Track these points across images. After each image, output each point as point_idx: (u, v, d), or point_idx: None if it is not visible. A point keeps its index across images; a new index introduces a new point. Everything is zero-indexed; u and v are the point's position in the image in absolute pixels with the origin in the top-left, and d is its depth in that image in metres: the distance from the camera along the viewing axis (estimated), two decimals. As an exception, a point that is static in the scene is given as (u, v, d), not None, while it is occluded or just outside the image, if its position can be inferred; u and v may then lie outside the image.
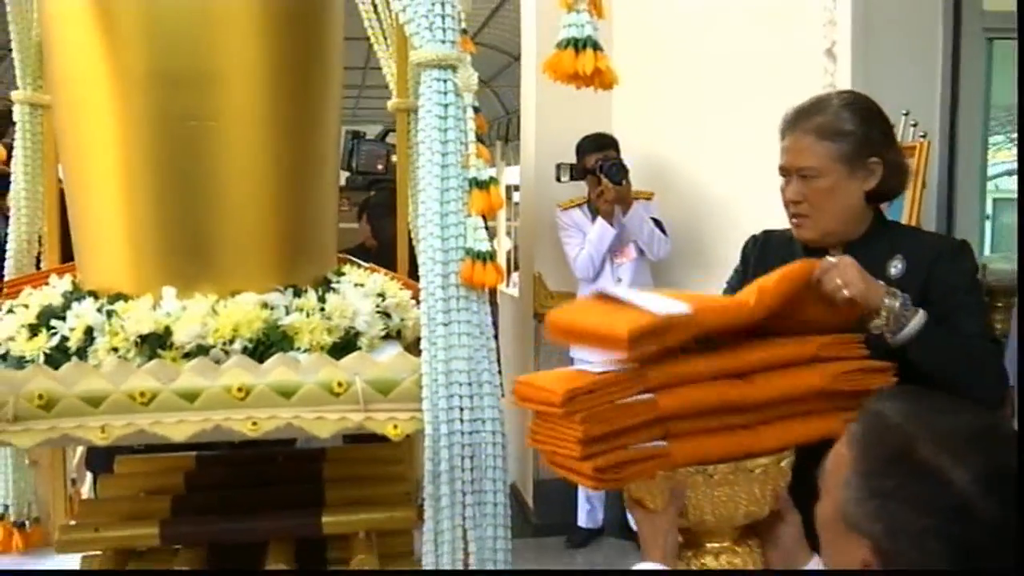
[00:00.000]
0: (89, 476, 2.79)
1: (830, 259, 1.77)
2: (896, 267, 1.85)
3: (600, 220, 4.02)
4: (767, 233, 2.08)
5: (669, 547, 1.43)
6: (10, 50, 2.26)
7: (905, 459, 1.01)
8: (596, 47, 1.60)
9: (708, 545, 1.50)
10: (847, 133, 1.85)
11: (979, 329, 1.81)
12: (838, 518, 1.06)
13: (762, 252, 2.07)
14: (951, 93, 3.17)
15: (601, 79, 1.62)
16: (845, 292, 1.68)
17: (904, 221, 2.93)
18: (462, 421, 1.62)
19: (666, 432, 1.50)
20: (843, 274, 1.69)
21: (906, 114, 3.03)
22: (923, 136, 2.96)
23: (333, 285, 1.92)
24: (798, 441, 1.54)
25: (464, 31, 1.83)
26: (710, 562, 1.50)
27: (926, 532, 0.97)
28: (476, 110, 1.65)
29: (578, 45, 1.59)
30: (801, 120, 1.90)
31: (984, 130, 2.97)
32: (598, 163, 3.88)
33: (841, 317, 1.65)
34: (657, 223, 4.00)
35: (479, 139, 1.65)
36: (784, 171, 1.94)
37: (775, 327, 1.60)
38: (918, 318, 1.74)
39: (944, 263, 1.83)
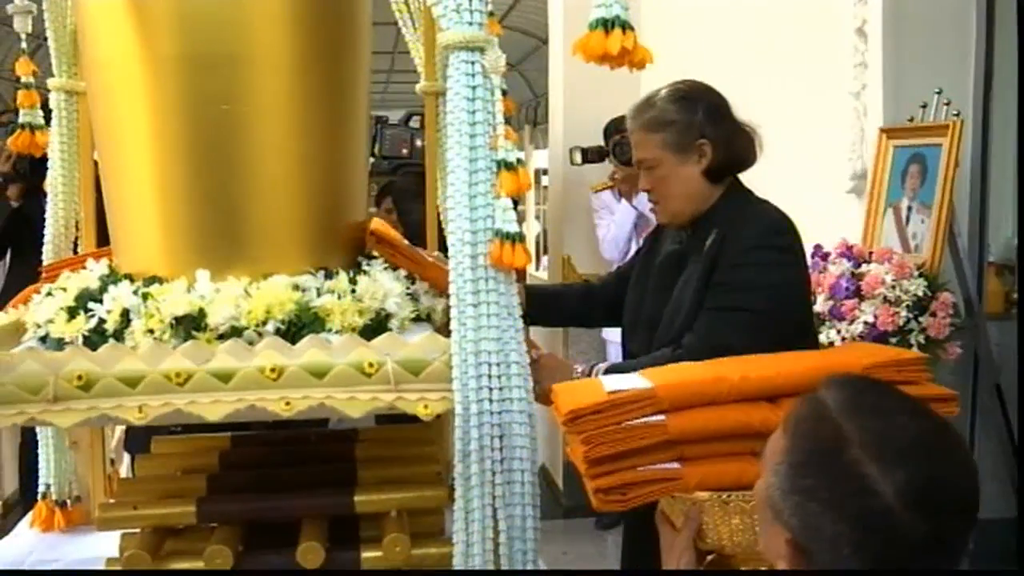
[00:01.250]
0: (127, 457, 2.84)
1: (534, 354, 1.90)
2: (710, 239, 1.99)
3: (624, 202, 4.03)
4: None
5: (683, 565, 1.39)
6: (46, 39, 2.29)
7: (833, 459, 0.96)
8: (625, 27, 1.60)
9: (743, 568, 1.45)
10: (670, 122, 2.03)
11: (700, 334, 1.92)
12: (765, 504, 1.02)
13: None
14: (984, 72, 3.13)
15: (631, 58, 1.62)
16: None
17: (936, 201, 2.91)
18: (491, 401, 1.63)
19: (680, 455, 1.49)
20: (539, 368, 1.87)
21: (939, 92, 3.00)
22: (956, 115, 2.93)
23: (364, 267, 1.94)
24: None
25: (491, 13, 1.83)
26: None
27: (841, 537, 0.92)
28: (504, 92, 1.66)
29: (607, 25, 1.60)
30: (635, 117, 2.10)
31: (1019, 109, 2.94)
32: (611, 144, 3.91)
33: None
34: None
35: (507, 121, 1.65)
36: (636, 164, 2.14)
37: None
38: (599, 369, 1.97)
39: (733, 235, 1.96)
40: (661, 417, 1.49)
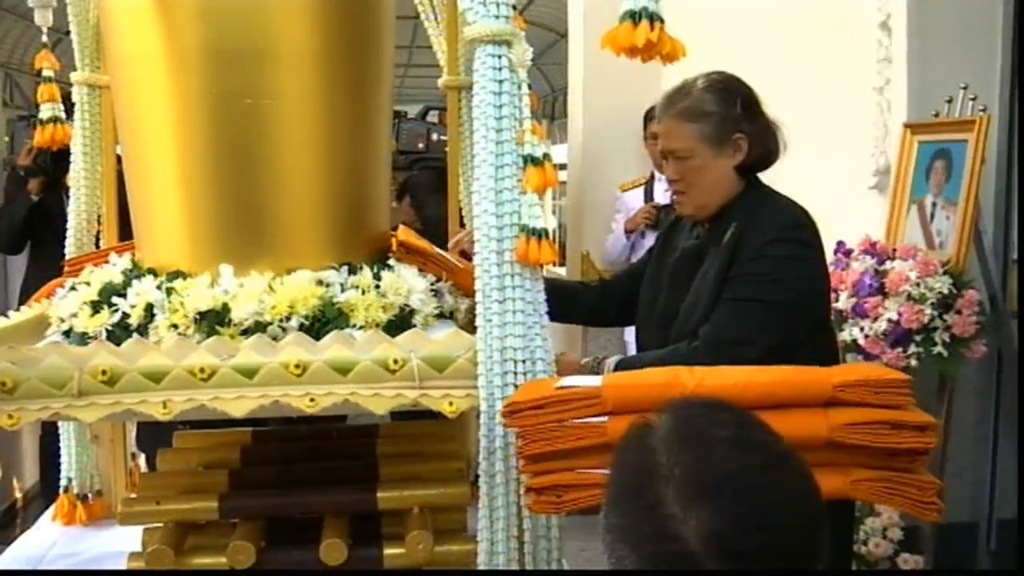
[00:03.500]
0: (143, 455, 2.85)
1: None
2: (728, 233, 1.97)
3: (623, 230, 4.07)
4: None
5: None
6: (67, 32, 2.29)
7: (639, 496, 0.85)
8: (653, 19, 1.57)
9: None
10: (708, 113, 1.99)
11: (716, 326, 1.91)
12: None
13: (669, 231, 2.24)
14: (1011, 66, 3.09)
15: (659, 51, 1.59)
16: None
17: (962, 197, 2.88)
18: (517, 398, 1.62)
19: None
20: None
21: (964, 87, 2.96)
22: (983, 110, 2.90)
23: (388, 263, 1.93)
24: None
25: (514, 7, 1.82)
26: None
27: None
28: (529, 86, 1.65)
29: (635, 17, 1.57)
30: (668, 106, 2.05)
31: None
32: (652, 217, 3.97)
33: None
34: None
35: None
36: (662, 154, 2.10)
37: None
38: (608, 365, 1.96)
39: (753, 227, 1.94)
40: (603, 419, 1.43)
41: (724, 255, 1.95)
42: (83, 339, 1.76)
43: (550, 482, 1.46)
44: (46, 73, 2.33)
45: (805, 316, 1.97)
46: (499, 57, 1.60)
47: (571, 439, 1.43)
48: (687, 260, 2.08)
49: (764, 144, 2.03)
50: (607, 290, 2.40)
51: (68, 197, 2.37)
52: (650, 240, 4.01)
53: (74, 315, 1.80)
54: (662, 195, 4.05)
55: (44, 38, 2.30)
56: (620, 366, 1.95)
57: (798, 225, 1.99)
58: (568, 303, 2.32)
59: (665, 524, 0.81)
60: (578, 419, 1.44)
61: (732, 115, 1.99)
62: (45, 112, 2.35)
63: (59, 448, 2.38)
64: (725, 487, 0.82)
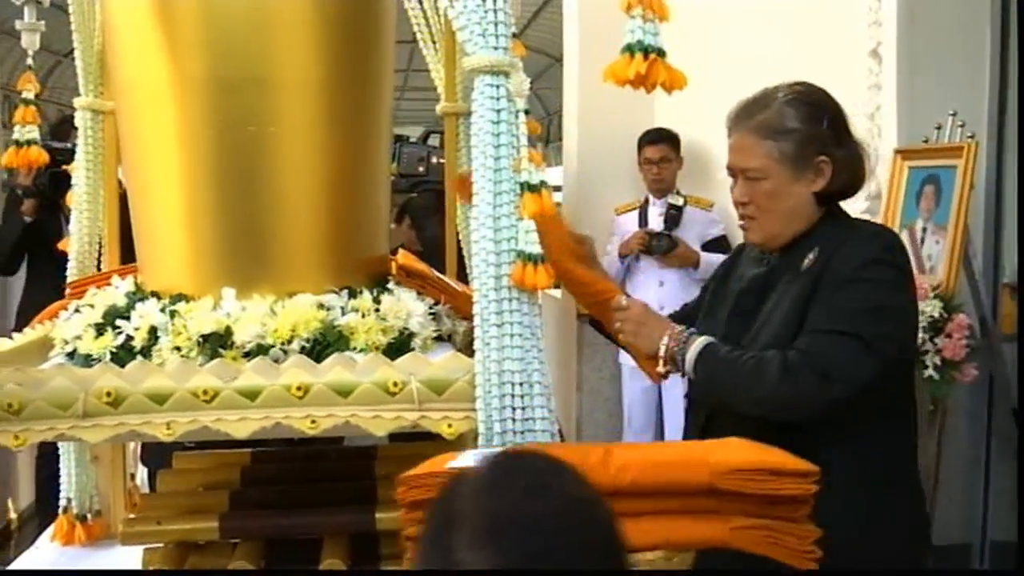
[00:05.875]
0: (143, 470, 2.86)
1: (622, 301, 1.82)
2: (808, 259, 1.75)
3: (617, 253, 4.09)
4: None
5: None
6: (66, 55, 2.33)
7: (440, 540, 0.86)
8: (647, 52, 1.61)
9: None
10: (790, 131, 1.75)
11: (803, 354, 1.65)
12: None
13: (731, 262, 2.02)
14: (999, 93, 3.15)
15: (653, 82, 1.63)
16: (620, 336, 1.81)
17: (951, 222, 2.92)
18: (514, 420, 1.64)
19: None
20: (623, 320, 1.80)
21: (953, 114, 3.02)
22: (971, 137, 2.95)
23: (387, 286, 1.96)
24: (678, 543, 1.41)
25: (515, 35, 1.86)
26: None
27: None
28: (526, 113, 1.68)
29: (632, 50, 1.62)
30: (743, 118, 1.81)
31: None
32: (645, 243, 3.98)
33: None
34: (722, 239, 4.02)
35: (530, 143, 1.68)
36: (730, 171, 1.85)
37: None
38: (692, 349, 1.75)
39: (842, 251, 1.71)
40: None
41: (804, 281, 1.73)
42: (87, 361, 1.79)
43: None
44: (26, 95, 2.36)
45: (907, 353, 1.77)
46: (497, 87, 1.64)
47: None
48: (752, 290, 1.87)
49: (851, 170, 1.79)
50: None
51: (65, 218, 2.39)
52: (644, 264, 4.06)
53: (78, 337, 1.83)
54: (656, 219, 4.10)
55: (29, 61, 2.34)
56: (706, 352, 1.75)
57: (898, 248, 1.78)
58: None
59: (453, 566, 0.82)
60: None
61: (817, 134, 1.75)
62: (23, 134, 2.37)
63: (55, 469, 2.40)
64: (512, 529, 0.83)
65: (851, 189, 1.83)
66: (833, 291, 1.68)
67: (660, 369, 1.78)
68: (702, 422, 1.89)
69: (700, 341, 1.75)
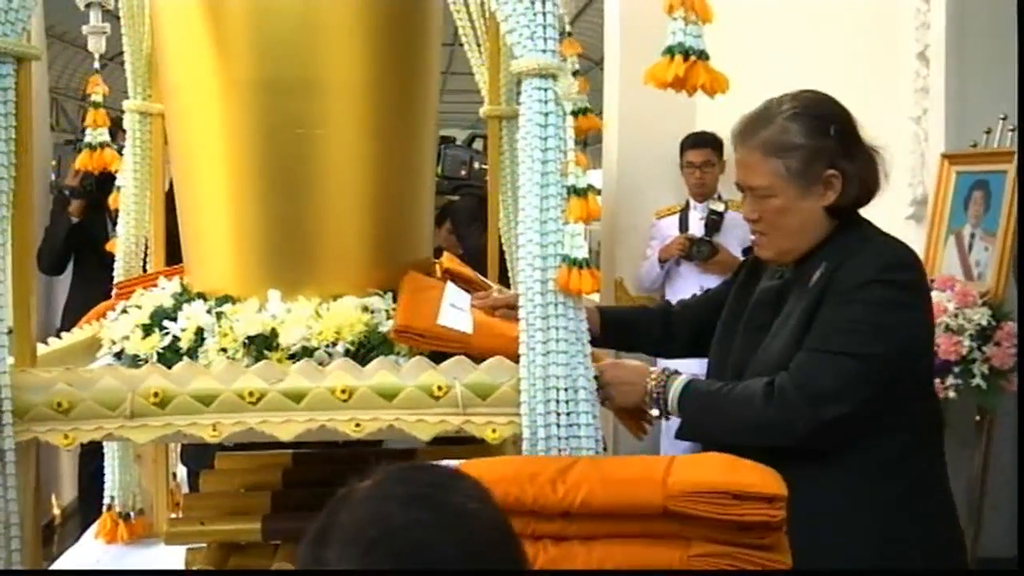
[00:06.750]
0: (183, 469, 2.89)
1: (599, 366, 1.71)
2: (817, 273, 1.71)
3: (657, 258, 4.07)
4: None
5: None
6: (112, 59, 2.35)
7: (313, 548, 0.88)
8: (688, 54, 1.59)
9: None
10: (795, 147, 1.70)
11: (793, 377, 1.63)
12: None
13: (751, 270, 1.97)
14: (1051, 97, 3.08)
15: (693, 84, 1.61)
16: (607, 403, 1.71)
17: (1001, 228, 2.87)
18: (559, 426, 1.63)
19: None
20: (603, 394, 1.67)
21: (1003, 118, 2.96)
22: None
23: (431, 289, 1.95)
24: (631, 569, 1.33)
25: (569, 33, 1.85)
26: None
27: None
28: (586, 111, 1.66)
29: (672, 52, 1.60)
30: (747, 135, 1.77)
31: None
32: (685, 248, 3.95)
33: None
34: None
35: (584, 143, 1.66)
36: (738, 187, 1.83)
37: None
38: (675, 388, 1.71)
39: (845, 268, 1.67)
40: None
41: (810, 297, 1.70)
42: (134, 361, 1.80)
43: None
44: (95, 98, 2.38)
45: (904, 374, 1.68)
46: (545, 90, 1.63)
47: None
48: (766, 303, 1.84)
49: (863, 180, 1.74)
50: (674, 318, 2.13)
51: (111, 220, 2.41)
52: (684, 269, 4.03)
53: (126, 338, 1.85)
54: (696, 224, 4.06)
55: (96, 64, 2.36)
56: (689, 389, 1.72)
57: (900, 265, 1.72)
58: (629, 334, 2.12)
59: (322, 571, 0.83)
60: None
61: (824, 148, 1.70)
62: (93, 137, 2.39)
63: (97, 466, 2.42)
64: (383, 538, 0.84)
65: (865, 199, 1.78)
66: (829, 310, 1.66)
67: (651, 413, 1.75)
68: None
69: (681, 379, 1.72)
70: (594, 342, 1.73)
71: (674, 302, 2.33)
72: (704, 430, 1.76)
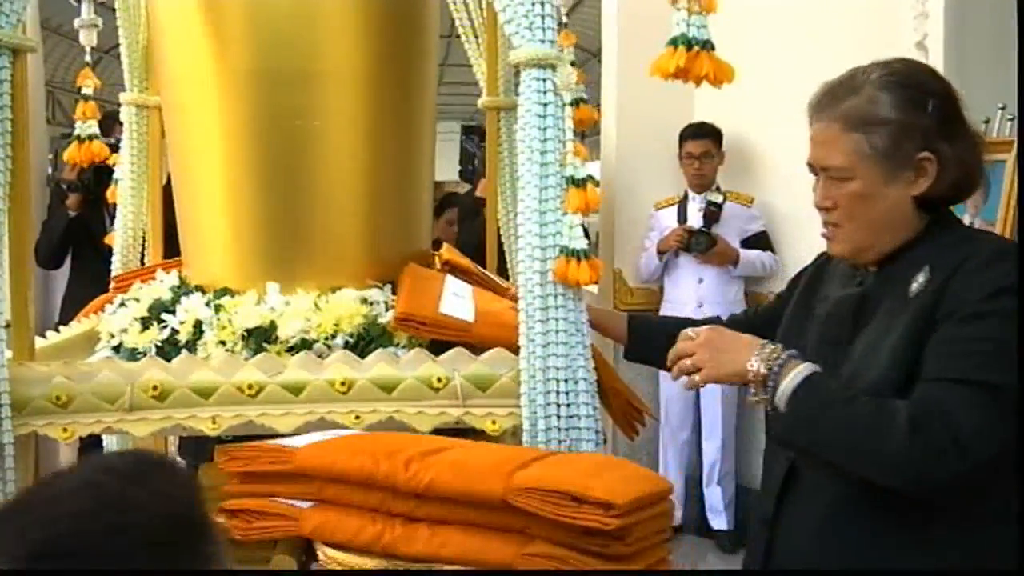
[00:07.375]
0: (180, 461, 2.88)
1: (689, 333, 1.46)
2: (917, 281, 1.40)
3: (655, 249, 4.05)
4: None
5: None
6: (107, 52, 2.33)
7: None
8: (691, 44, 1.59)
9: None
10: (883, 121, 1.40)
11: (944, 372, 1.30)
12: None
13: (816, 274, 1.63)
14: (1050, 86, 3.08)
15: (696, 74, 1.60)
16: (696, 381, 1.42)
17: (999, 221, 2.87)
18: (559, 417, 1.63)
19: (319, 495, 1.43)
20: (697, 358, 1.41)
21: (1002, 108, 2.95)
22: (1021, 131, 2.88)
23: (429, 281, 1.95)
24: (466, 558, 1.29)
25: (565, 25, 1.84)
26: None
27: None
28: (584, 101, 1.65)
29: (676, 43, 1.60)
30: (827, 105, 1.46)
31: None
32: (683, 240, 3.94)
33: None
34: (762, 235, 3.99)
35: (581, 135, 1.65)
36: (811, 168, 1.51)
37: None
38: (790, 377, 1.36)
39: (963, 276, 1.35)
40: (294, 445, 1.45)
41: (916, 310, 1.37)
42: (133, 354, 1.80)
43: (241, 506, 1.47)
44: (85, 91, 2.37)
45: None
46: (544, 80, 1.62)
47: (263, 461, 1.46)
48: (843, 314, 1.49)
49: (963, 168, 1.42)
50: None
51: (109, 213, 2.41)
52: (683, 260, 4.02)
53: (124, 331, 1.84)
54: (695, 215, 4.05)
55: (87, 57, 2.35)
56: (809, 384, 1.36)
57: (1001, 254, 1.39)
58: (654, 343, 1.71)
59: None
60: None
61: (918, 125, 1.39)
62: (83, 129, 2.38)
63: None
64: (28, 513, 0.81)
65: (965, 192, 1.48)
66: (955, 330, 1.32)
67: (751, 399, 1.41)
68: (782, 471, 1.49)
69: (801, 369, 1.37)
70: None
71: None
72: (812, 441, 1.38)
